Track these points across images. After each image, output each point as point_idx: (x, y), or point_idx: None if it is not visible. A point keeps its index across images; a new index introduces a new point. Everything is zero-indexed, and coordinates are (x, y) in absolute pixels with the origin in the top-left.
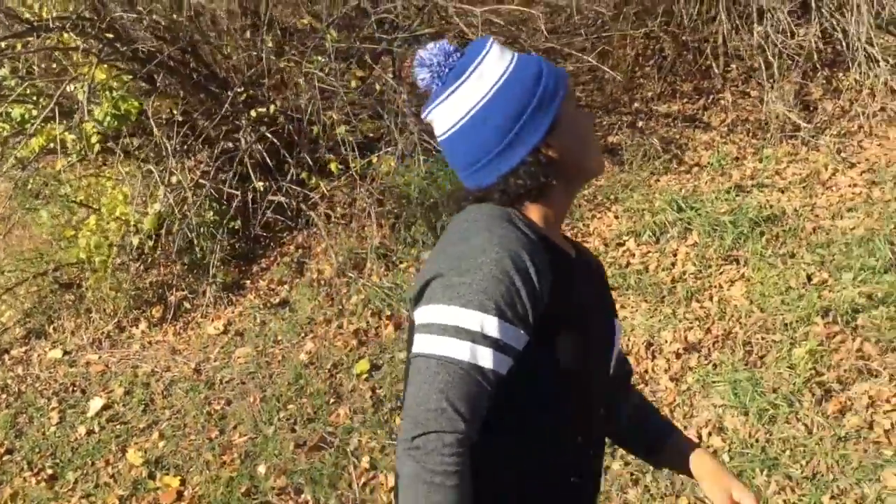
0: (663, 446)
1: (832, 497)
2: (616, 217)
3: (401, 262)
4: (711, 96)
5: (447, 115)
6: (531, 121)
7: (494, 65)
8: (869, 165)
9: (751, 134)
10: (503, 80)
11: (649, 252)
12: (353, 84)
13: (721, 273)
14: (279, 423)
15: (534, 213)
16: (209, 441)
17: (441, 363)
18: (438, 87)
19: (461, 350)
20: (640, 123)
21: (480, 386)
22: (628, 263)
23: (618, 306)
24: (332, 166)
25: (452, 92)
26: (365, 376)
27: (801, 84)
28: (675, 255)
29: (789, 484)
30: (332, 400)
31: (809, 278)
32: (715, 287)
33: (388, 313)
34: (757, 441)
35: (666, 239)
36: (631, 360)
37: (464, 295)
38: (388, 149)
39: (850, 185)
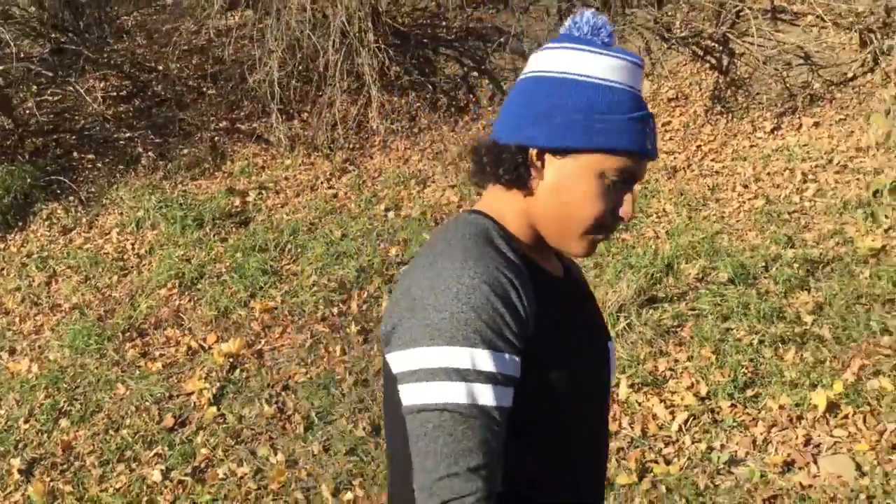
0: None
1: None
2: (120, 214)
3: None
4: (265, 120)
5: (537, 62)
6: (543, 123)
7: (601, 66)
8: (369, 173)
9: (268, 148)
10: (578, 78)
11: (126, 238)
12: None
13: (159, 250)
14: None
15: (517, 226)
16: None
17: (439, 414)
18: (568, 37)
19: (456, 393)
20: (217, 138)
21: (487, 428)
22: (102, 247)
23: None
24: None
25: (559, 49)
26: None
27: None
28: (143, 240)
29: None
30: None
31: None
32: (147, 264)
33: None
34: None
35: (142, 229)
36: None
37: (446, 331)
38: None
39: (328, 188)
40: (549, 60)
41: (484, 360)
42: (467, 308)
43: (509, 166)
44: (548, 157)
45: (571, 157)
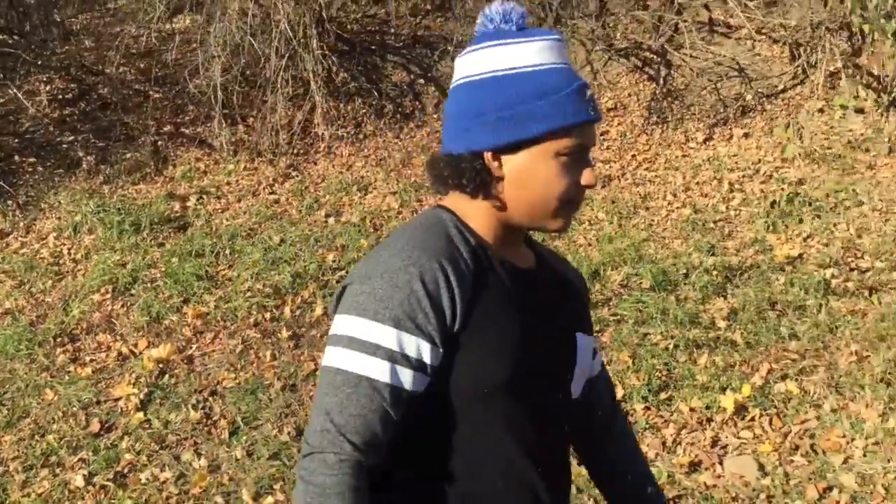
0: None
1: None
2: (58, 218)
3: None
4: (209, 125)
5: (463, 67)
6: (487, 125)
7: (524, 54)
8: (312, 179)
9: (211, 153)
10: (506, 73)
11: (63, 243)
12: None
13: (95, 255)
14: None
15: (480, 221)
16: None
17: (333, 376)
18: (485, 34)
19: (353, 362)
20: (160, 142)
21: (371, 401)
22: (38, 252)
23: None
24: None
25: (479, 49)
26: None
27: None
28: (80, 245)
29: None
30: None
31: (200, 255)
32: (83, 269)
33: None
34: None
35: (79, 234)
36: None
37: (361, 304)
38: None
39: (270, 193)
40: (474, 64)
41: (387, 337)
42: (388, 286)
43: (470, 175)
44: (503, 156)
45: (525, 149)
